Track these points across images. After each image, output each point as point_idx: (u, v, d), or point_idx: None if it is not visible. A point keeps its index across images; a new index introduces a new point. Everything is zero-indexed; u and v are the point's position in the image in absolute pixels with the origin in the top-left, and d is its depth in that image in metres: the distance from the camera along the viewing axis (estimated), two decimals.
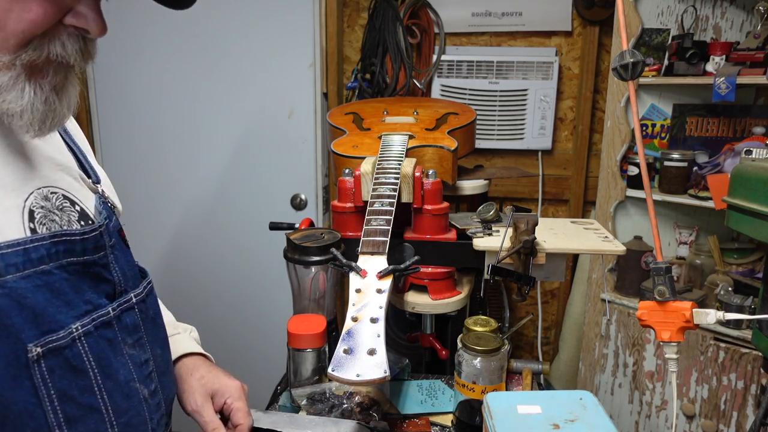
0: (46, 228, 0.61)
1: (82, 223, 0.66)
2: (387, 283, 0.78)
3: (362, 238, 0.88)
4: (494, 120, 2.21)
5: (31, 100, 0.57)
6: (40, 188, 0.63)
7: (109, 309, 0.66)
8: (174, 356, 0.88)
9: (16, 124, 0.58)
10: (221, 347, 1.50)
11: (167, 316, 0.96)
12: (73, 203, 0.67)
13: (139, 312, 0.71)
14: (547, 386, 1.36)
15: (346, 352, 0.66)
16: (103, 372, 0.64)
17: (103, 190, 0.75)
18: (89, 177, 0.74)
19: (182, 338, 0.93)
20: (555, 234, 1.14)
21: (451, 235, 1.11)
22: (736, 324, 1.61)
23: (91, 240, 0.65)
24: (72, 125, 0.81)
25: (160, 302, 0.98)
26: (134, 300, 0.71)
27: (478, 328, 0.99)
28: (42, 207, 0.62)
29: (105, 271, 0.67)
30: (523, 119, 2.20)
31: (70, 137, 0.77)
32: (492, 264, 0.99)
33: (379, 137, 1.28)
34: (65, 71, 0.60)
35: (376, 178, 1.06)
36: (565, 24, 2.14)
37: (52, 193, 0.64)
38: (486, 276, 1.01)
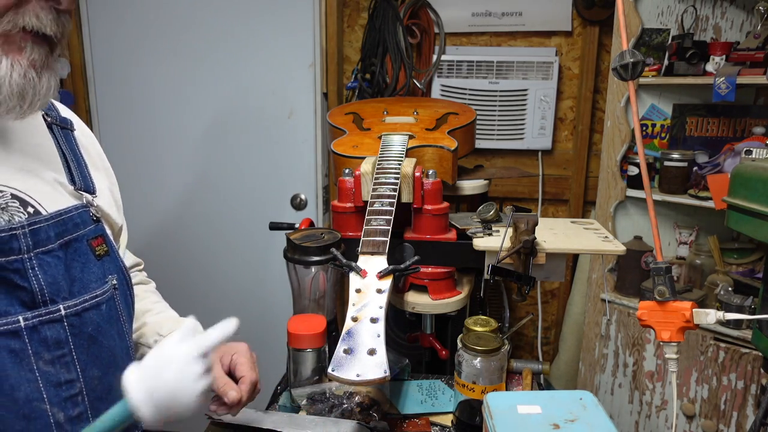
0: None
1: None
2: (387, 283, 0.78)
3: (362, 238, 0.88)
4: (494, 120, 2.21)
5: (8, 72, 0.57)
6: None
7: (19, 317, 0.61)
8: None
9: None
10: None
11: (161, 314, 0.94)
12: (24, 204, 0.65)
13: (69, 326, 0.66)
14: (547, 386, 1.36)
15: (346, 352, 0.66)
16: None
17: (91, 201, 0.74)
18: (74, 183, 0.73)
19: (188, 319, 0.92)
20: (555, 234, 1.14)
21: (451, 235, 1.11)
22: (736, 324, 1.61)
23: None
24: (85, 138, 0.82)
25: (160, 302, 0.97)
26: (63, 312, 0.65)
27: (478, 328, 0.99)
28: None
29: (18, 277, 0.62)
30: (523, 119, 2.20)
31: (72, 146, 0.77)
32: (492, 264, 0.99)
33: (379, 137, 1.28)
34: (45, 50, 0.61)
35: (376, 178, 1.06)
36: (565, 24, 2.14)
37: None
38: (486, 276, 1.01)
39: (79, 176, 0.75)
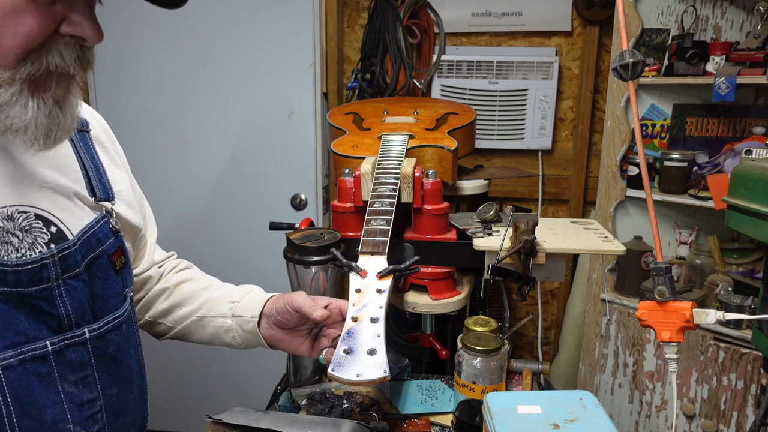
0: None
1: (52, 246, 0.64)
2: (387, 283, 0.78)
3: (362, 238, 0.88)
4: (494, 120, 2.21)
5: (34, 114, 0.56)
6: (4, 206, 0.61)
7: (47, 343, 0.62)
8: (265, 297, 0.89)
9: (21, 139, 0.57)
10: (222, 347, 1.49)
11: (224, 286, 0.97)
12: (48, 223, 0.65)
13: (93, 348, 0.67)
14: (547, 386, 1.36)
15: (346, 352, 0.66)
16: (22, 410, 0.60)
17: (110, 210, 0.74)
18: (94, 195, 0.72)
19: (255, 291, 0.94)
20: (555, 234, 1.14)
21: (451, 235, 1.11)
22: (736, 324, 1.61)
23: (26, 273, 0.61)
24: (102, 136, 0.81)
25: (213, 278, 0.99)
26: (87, 336, 0.67)
27: (478, 328, 0.99)
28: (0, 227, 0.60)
29: (46, 305, 0.63)
30: (523, 119, 2.20)
31: (89, 150, 0.76)
32: (492, 264, 0.99)
33: (379, 137, 1.28)
34: (67, 82, 0.60)
35: (376, 178, 1.06)
36: (565, 24, 2.14)
37: (20, 212, 0.63)
38: (486, 276, 1.01)
39: (98, 184, 0.74)
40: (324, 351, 0.82)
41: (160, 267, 0.97)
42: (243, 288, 0.95)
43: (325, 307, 0.83)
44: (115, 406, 0.71)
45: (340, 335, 0.79)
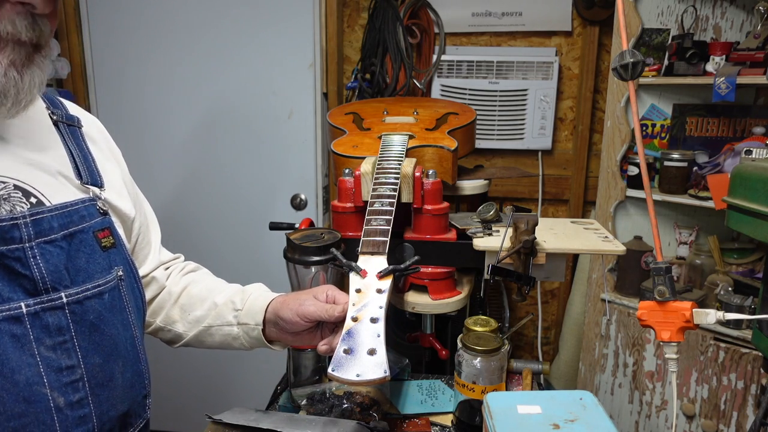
0: None
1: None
2: (387, 283, 0.78)
3: (362, 238, 0.88)
4: (494, 120, 2.21)
5: None
6: None
7: (21, 304, 0.63)
8: (265, 302, 0.89)
9: None
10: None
11: (230, 287, 0.96)
12: (27, 194, 0.66)
13: (71, 314, 0.67)
14: (547, 386, 1.36)
15: (346, 352, 0.66)
16: None
17: (99, 194, 0.75)
18: (80, 178, 0.74)
19: (256, 295, 0.92)
20: (555, 234, 1.14)
21: (451, 235, 1.11)
22: (736, 324, 1.61)
23: None
24: (95, 133, 0.83)
25: (212, 279, 0.98)
26: (64, 300, 0.66)
27: (478, 328, 0.99)
28: None
29: (19, 265, 0.63)
30: (523, 119, 2.20)
31: (79, 142, 0.78)
32: (492, 264, 0.99)
33: (379, 137, 1.28)
34: (24, 50, 0.62)
35: (376, 178, 1.06)
36: (565, 24, 2.14)
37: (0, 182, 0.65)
38: (486, 276, 1.01)
39: (85, 171, 0.75)
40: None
41: (167, 268, 0.97)
42: (245, 292, 0.94)
43: (326, 300, 0.83)
44: (98, 377, 0.70)
45: (337, 327, 0.80)
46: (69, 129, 0.78)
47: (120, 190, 0.82)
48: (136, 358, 0.78)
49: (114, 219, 0.77)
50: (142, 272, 0.89)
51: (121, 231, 0.79)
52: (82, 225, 0.70)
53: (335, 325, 0.83)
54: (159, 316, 0.95)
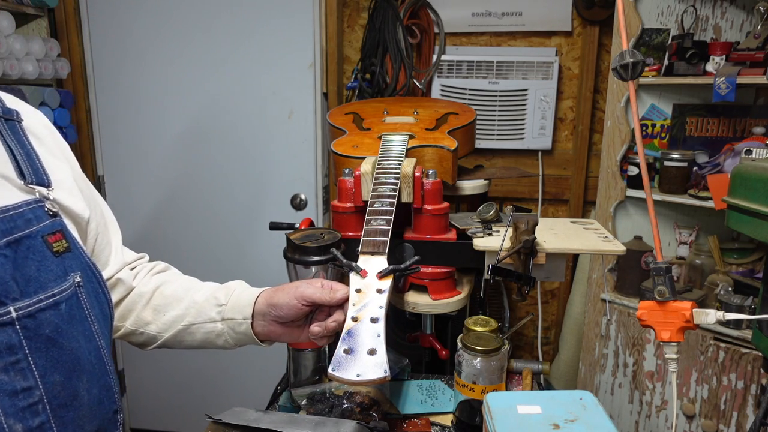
0: None
1: None
2: (387, 283, 0.78)
3: (362, 238, 0.88)
4: (494, 120, 2.21)
5: None
6: None
7: None
8: (253, 295, 0.87)
9: None
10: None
11: (208, 285, 0.93)
12: None
13: (22, 329, 0.60)
14: (547, 386, 1.36)
15: (346, 352, 0.66)
16: None
17: (46, 194, 0.69)
18: (24, 178, 0.68)
19: (240, 289, 0.90)
20: (555, 234, 1.14)
21: (451, 235, 1.11)
22: (736, 324, 1.61)
23: None
24: (37, 128, 0.76)
25: (193, 279, 0.95)
26: (14, 315, 0.59)
27: (478, 328, 0.99)
28: None
29: None
30: (523, 119, 2.20)
31: (20, 138, 0.72)
32: (492, 264, 0.99)
33: (379, 137, 1.28)
34: None
35: (376, 178, 1.06)
36: (565, 24, 2.14)
37: None
38: (486, 276, 1.01)
39: (29, 169, 0.69)
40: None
41: (132, 269, 0.92)
42: (226, 288, 0.91)
43: (322, 286, 0.83)
44: (60, 397, 0.63)
45: (330, 315, 0.79)
46: (7, 123, 0.71)
47: (71, 189, 0.75)
48: (103, 371, 0.70)
49: (66, 221, 0.71)
50: (107, 274, 0.84)
51: (75, 233, 0.73)
52: (29, 230, 0.64)
53: (326, 315, 0.82)
54: (128, 320, 0.89)
